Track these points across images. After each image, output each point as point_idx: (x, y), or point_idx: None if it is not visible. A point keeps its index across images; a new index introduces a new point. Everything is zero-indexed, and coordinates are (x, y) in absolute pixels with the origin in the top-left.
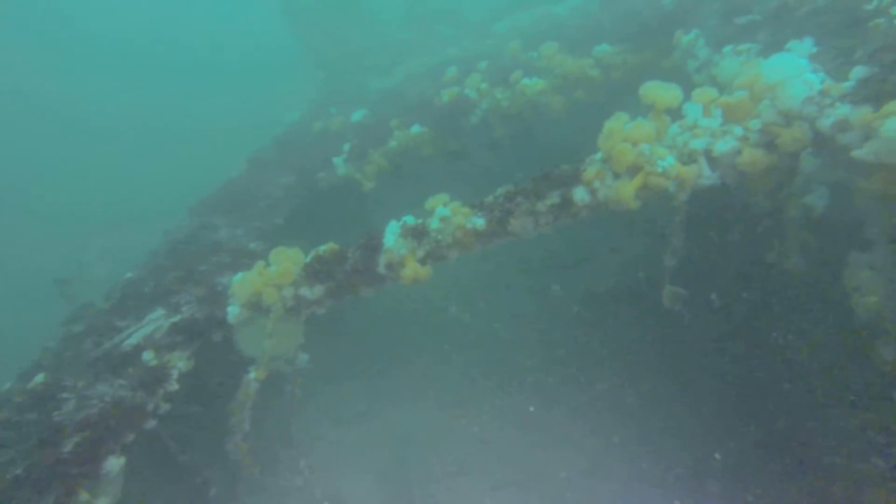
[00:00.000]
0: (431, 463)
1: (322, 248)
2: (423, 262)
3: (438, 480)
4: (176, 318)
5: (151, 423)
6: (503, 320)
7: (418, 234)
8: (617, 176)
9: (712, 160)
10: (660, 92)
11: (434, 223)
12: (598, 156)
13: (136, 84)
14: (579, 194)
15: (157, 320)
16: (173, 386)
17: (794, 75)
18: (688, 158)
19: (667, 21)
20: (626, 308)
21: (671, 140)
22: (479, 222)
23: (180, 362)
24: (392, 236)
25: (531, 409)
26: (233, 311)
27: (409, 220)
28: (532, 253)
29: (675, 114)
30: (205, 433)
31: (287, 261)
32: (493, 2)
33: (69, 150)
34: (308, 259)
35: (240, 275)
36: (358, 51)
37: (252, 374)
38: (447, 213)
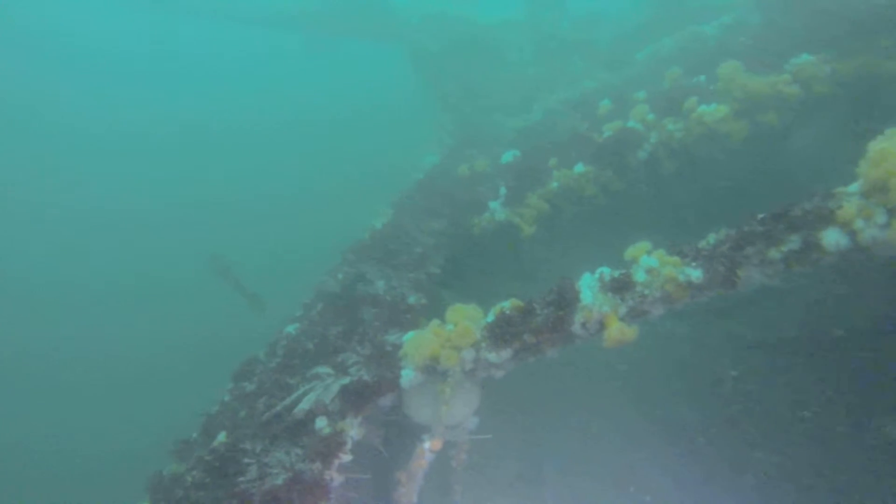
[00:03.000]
0: None
1: (505, 304)
2: (624, 319)
3: None
4: (345, 381)
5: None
6: (666, 371)
7: (621, 288)
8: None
9: None
10: None
11: (639, 275)
12: (854, 187)
13: (284, 151)
14: (832, 237)
15: (325, 379)
16: (347, 456)
17: None
18: None
19: (886, 15)
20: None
21: None
22: (695, 274)
23: (352, 430)
24: (589, 291)
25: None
26: (407, 375)
27: (606, 271)
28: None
29: None
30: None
31: (466, 319)
32: (628, 30)
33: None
34: (490, 318)
35: (411, 334)
36: (487, 91)
37: (427, 444)
38: (654, 263)
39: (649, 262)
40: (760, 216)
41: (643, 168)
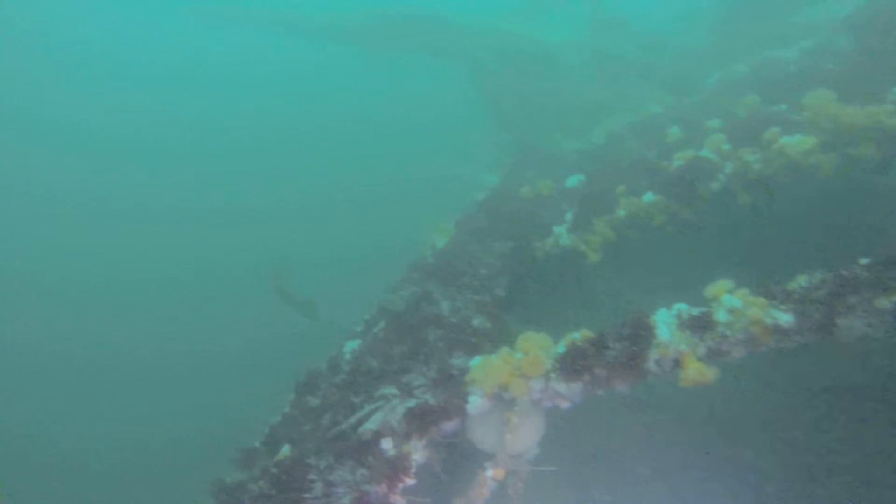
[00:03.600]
0: None
1: (576, 335)
2: (702, 359)
3: None
4: (411, 403)
5: None
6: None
7: (701, 326)
8: None
9: None
10: None
11: (721, 315)
12: None
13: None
14: None
15: (391, 400)
16: (411, 480)
17: None
18: None
19: None
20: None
21: None
22: (785, 318)
23: (416, 454)
24: (666, 327)
25: None
26: (474, 402)
27: (683, 308)
28: None
29: None
30: None
31: (536, 348)
32: (695, 54)
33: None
34: (561, 348)
35: (478, 359)
36: (548, 112)
37: (489, 472)
38: (738, 303)
39: (732, 301)
40: (865, 261)
41: (716, 199)
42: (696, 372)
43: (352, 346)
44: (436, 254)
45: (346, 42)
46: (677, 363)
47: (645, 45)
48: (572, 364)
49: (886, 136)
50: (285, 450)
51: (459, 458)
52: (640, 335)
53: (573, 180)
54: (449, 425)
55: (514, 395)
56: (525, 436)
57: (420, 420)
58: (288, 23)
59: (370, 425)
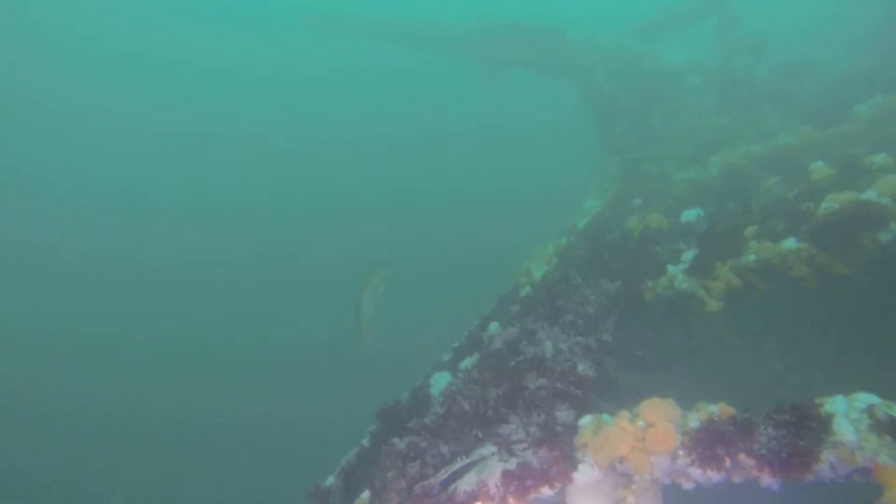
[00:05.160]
0: None
1: (713, 408)
2: None
3: None
4: (509, 462)
5: None
6: None
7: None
8: None
9: None
10: None
11: None
12: None
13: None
14: None
15: (487, 459)
16: None
17: None
18: None
19: None
20: None
21: None
22: None
23: None
24: (849, 423)
25: None
26: (585, 471)
27: (875, 402)
28: None
29: None
30: None
31: (663, 420)
32: (841, 79)
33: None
34: (694, 422)
35: (588, 418)
36: (660, 137)
37: None
38: None
39: None
40: None
41: (883, 254)
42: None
43: (439, 379)
44: (534, 284)
45: (456, 53)
46: (868, 475)
47: (782, 70)
48: (711, 447)
49: None
50: (364, 497)
51: None
52: (809, 427)
53: (690, 214)
54: (549, 492)
55: (631, 470)
56: None
57: (519, 483)
58: (401, 34)
59: (464, 485)
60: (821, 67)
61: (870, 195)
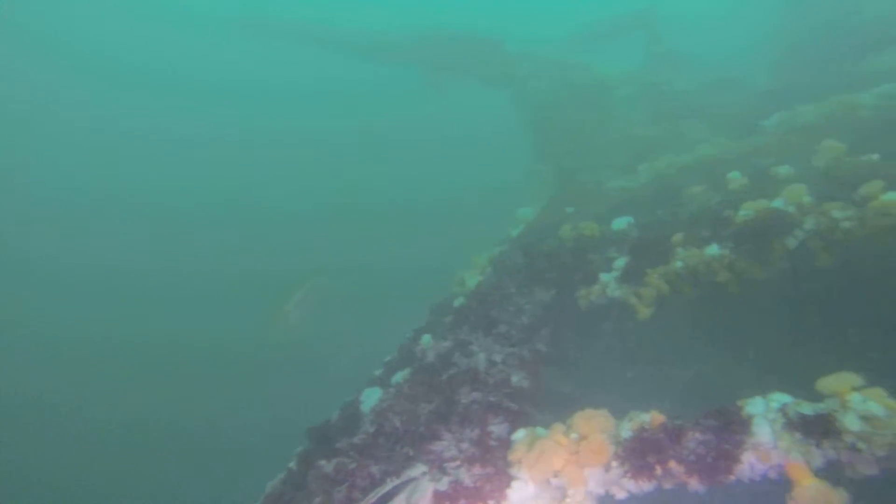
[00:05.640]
0: None
1: (645, 416)
2: (819, 474)
3: None
4: (441, 481)
5: None
6: None
7: (821, 432)
8: None
9: None
10: None
11: (851, 422)
12: None
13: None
14: None
15: (419, 480)
16: None
17: None
18: None
19: None
20: None
21: None
22: None
23: None
24: (767, 424)
25: None
26: (520, 488)
27: (787, 401)
28: None
29: None
30: None
31: (597, 431)
32: (757, 96)
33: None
34: (627, 432)
35: (522, 432)
36: (593, 147)
37: None
38: (878, 411)
39: (871, 407)
40: None
41: (790, 259)
42: (817, 493)
43: (370, 395)
44: (468, 294)
45: (395, 62)
46: (781, 473)
47: (703, 83)
48: (643, 457)
49: None
50: None
51: None
52: (732, 430)
53: (621, 223)
54: None
55: (565, 484)
56: None
57: (450, 503)
58: (336, 40)
59: None
60: (741, 84)
61: (778, 203)
